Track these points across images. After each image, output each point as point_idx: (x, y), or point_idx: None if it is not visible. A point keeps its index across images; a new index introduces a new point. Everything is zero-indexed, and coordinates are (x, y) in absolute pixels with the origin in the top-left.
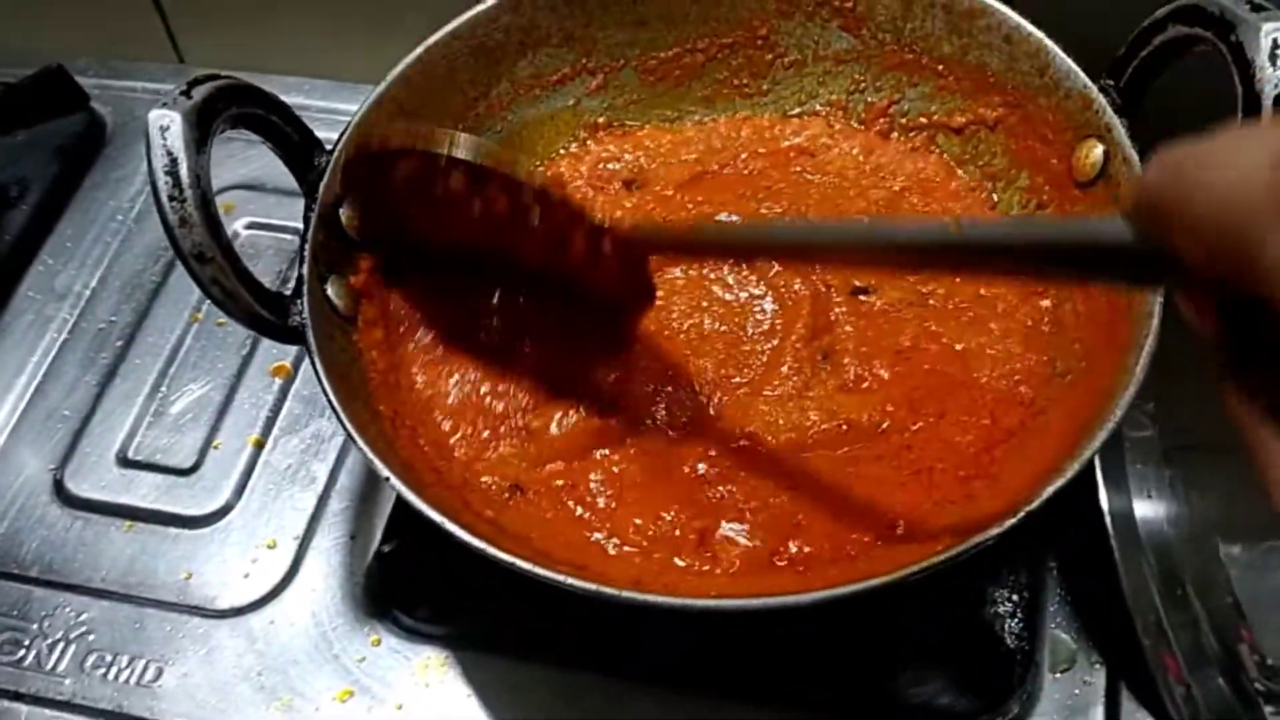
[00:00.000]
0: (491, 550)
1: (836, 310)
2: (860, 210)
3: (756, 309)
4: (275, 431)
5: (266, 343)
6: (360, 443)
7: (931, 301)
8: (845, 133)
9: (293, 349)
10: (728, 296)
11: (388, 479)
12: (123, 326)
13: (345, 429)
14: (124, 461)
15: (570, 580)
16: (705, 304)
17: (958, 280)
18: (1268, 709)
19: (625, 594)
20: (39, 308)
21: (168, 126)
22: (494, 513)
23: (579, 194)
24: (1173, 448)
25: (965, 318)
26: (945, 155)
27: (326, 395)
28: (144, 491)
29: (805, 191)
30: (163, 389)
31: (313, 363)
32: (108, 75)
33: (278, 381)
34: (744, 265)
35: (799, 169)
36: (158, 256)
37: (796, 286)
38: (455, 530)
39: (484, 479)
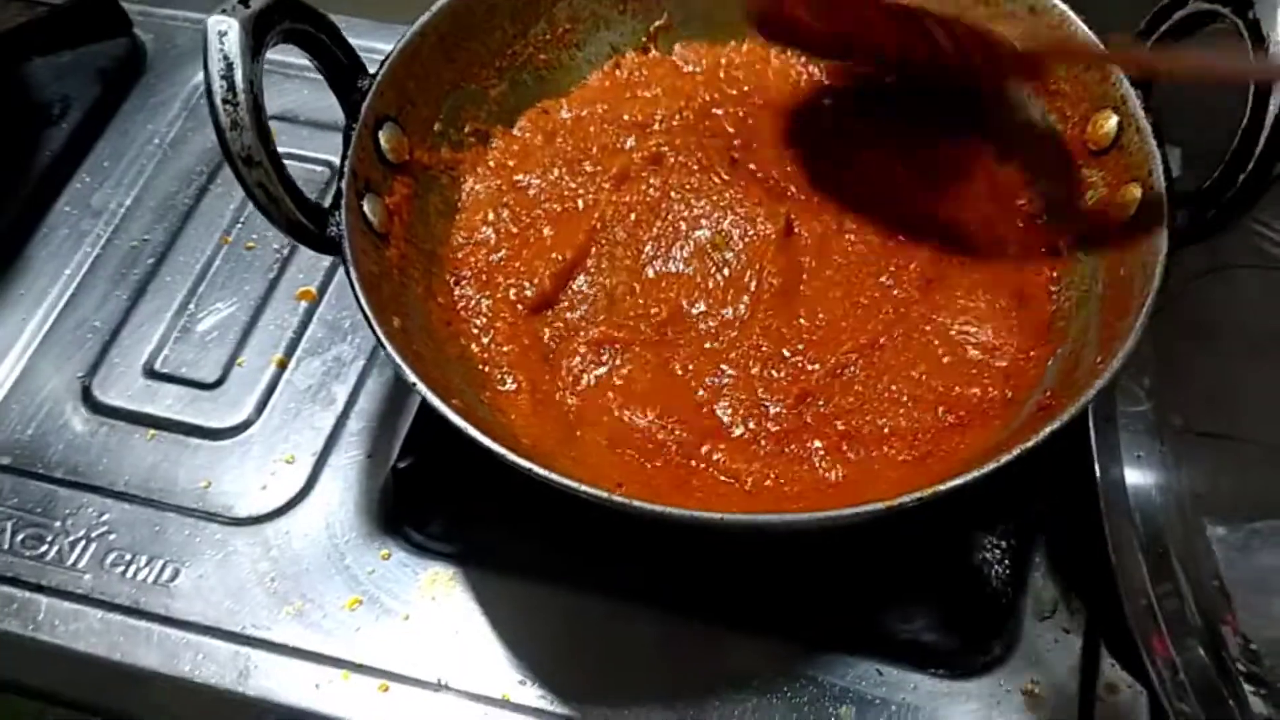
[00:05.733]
0: (511, 456)
1: None
2: None
3: None
4: (298, 353)
5: (293, 268)
6: (390, 348)
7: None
8: None
9: (319, 274)
10: None
11: (414, 384)
12: (154, 245)
13: (375, 335)
14: (150, 373)
15: (577, 486)
16: None
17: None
18: (1248, 688)
19: (618, 499)
20: (75, 222)
21: (225, 32)
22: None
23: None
24: (1165, 425)
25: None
26: None
27: (359, 303)
28: (168, 402)
29: None
30: (191, 307)
31: (347, 271)
32: (150, 2)
33: (303, 305)
34: None
35: None
36: (191, 180)
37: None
38: (477, 435)
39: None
